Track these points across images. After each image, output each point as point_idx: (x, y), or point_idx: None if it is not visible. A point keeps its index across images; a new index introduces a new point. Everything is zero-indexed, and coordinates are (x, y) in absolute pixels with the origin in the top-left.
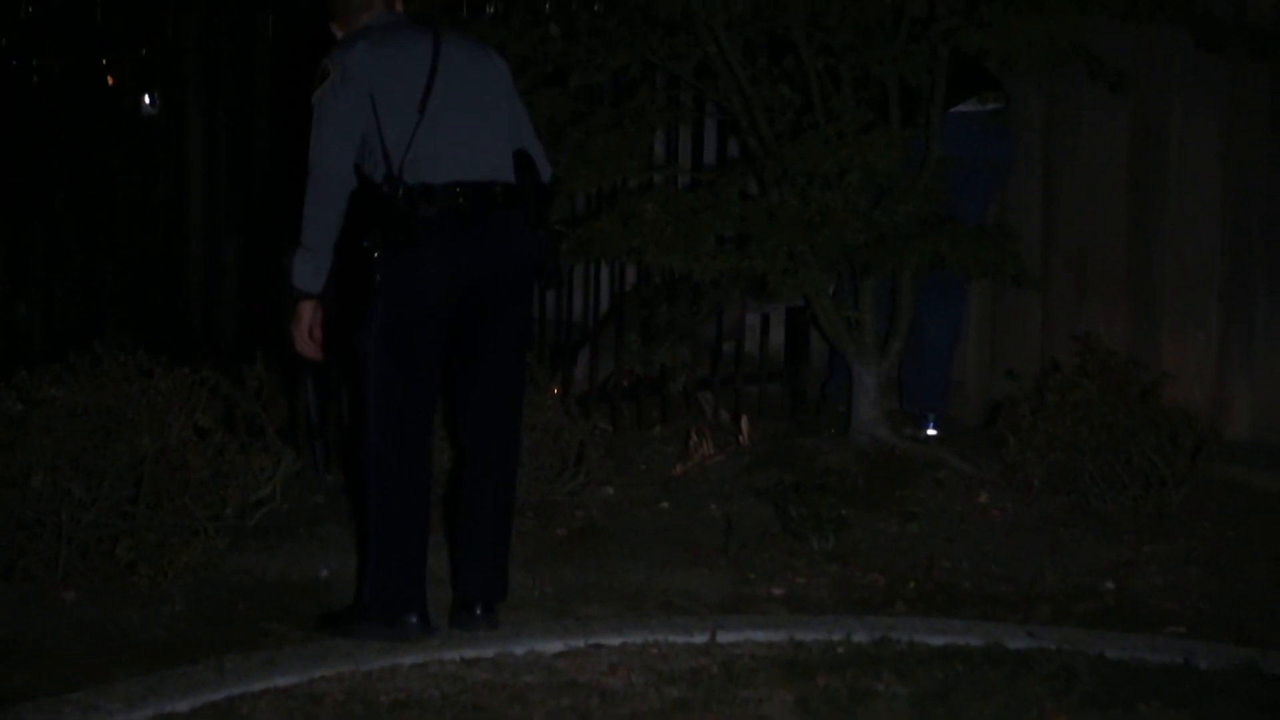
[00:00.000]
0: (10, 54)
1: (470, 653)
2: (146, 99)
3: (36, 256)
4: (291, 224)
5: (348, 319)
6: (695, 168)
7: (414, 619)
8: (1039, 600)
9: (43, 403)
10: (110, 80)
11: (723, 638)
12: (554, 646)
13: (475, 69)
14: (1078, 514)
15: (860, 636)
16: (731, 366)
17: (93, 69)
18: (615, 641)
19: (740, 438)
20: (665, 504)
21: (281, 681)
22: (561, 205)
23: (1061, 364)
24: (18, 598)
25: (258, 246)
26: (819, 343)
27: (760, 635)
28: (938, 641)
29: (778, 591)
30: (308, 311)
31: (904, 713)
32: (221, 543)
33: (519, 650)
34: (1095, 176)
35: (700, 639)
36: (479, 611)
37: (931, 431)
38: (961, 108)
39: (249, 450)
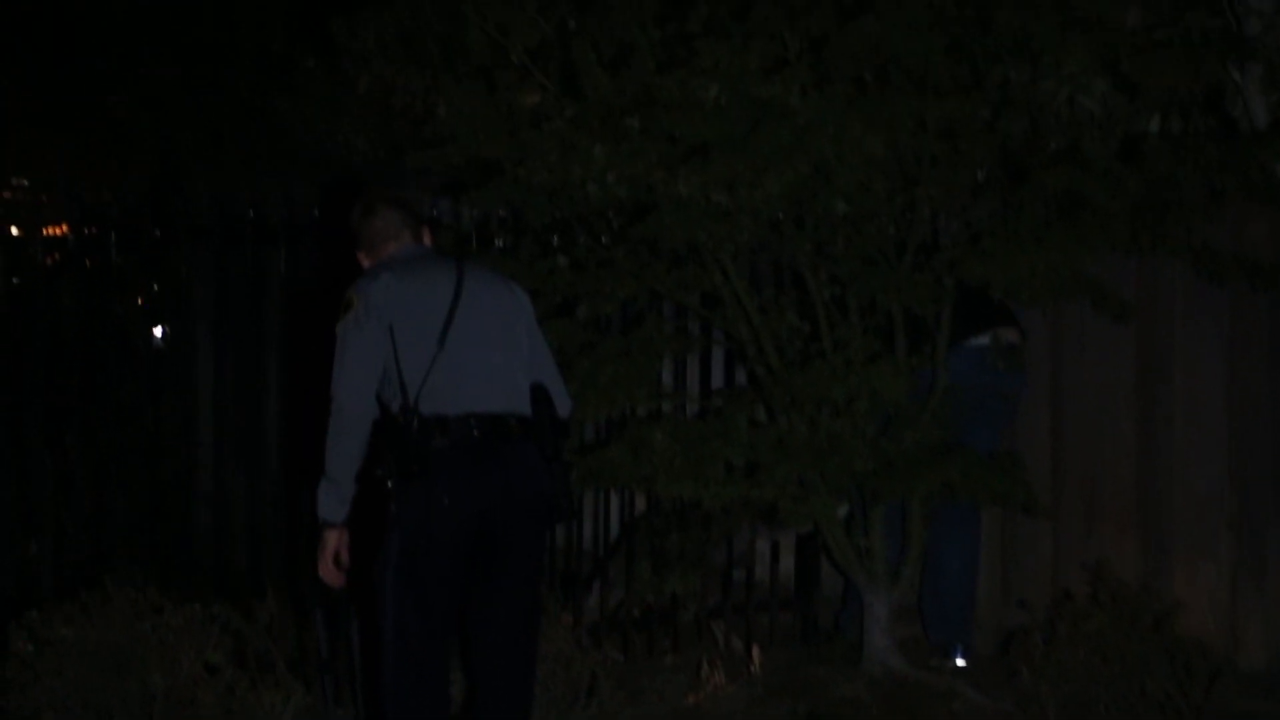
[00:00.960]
0: (24, 291)
1: None
2: (157, 333)
3: (47, 492)
4: (305, 457)
5: (363, 550)
6: (703, 395)
7: None
8: None
9: (53, 642)
10: (121, 316)
11: None
12: None
13: (497, 302)
14: None
15: None
16: (742, 594)
17: (105, 304)
18: None
19: (752, 667)
20: None
21: None
22: (570, 434)
23: (1073, 593)
24: None
25: (267, 480)
26: (831, 571)
27: None
28: None
29: None
30: (333, 540)
31: None
32: None
33: None
34: (1103, 405)
35: None
36: None
37: (960, 662)
38: (977, 341)
39: (259, 686)
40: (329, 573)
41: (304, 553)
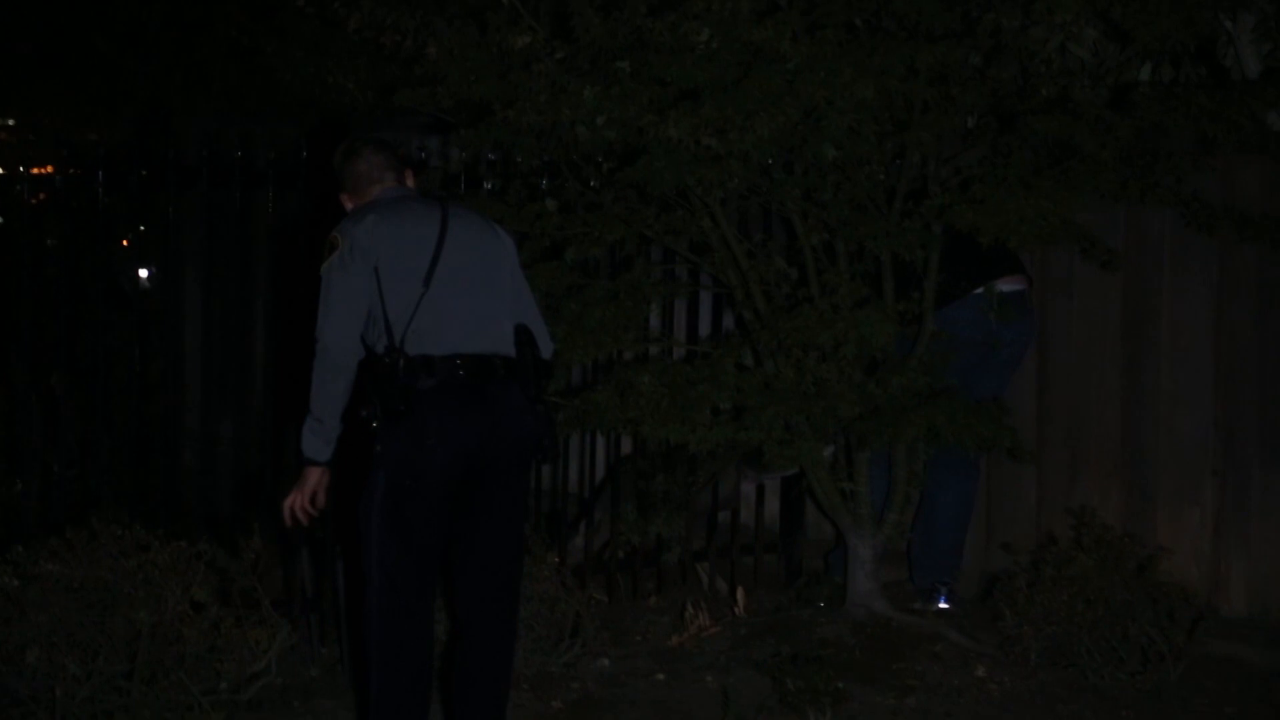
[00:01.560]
0: (9, 231)
1: None
2: (144, 274)
3: (33, 431)
4: (291, 398)
5: (348, 490)
6: (691, 340)
7: None
8: None
9: (39, 578)
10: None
11: None
12: None
13: (481, 244)
14: (1075, 688)
15: None
16: (727, 537)
17: (91, 245)
18: None
19: (736, 609)
20: (661, 676)
21: None
22: (558, 376)
23: (1057, 538)
24: None
25: (253, 421)
26: (815, 514)
27: None
28: None
29: None
30: (314, 477)
31: None
32: (216, 717)
33: None
34: (1089, 352)
35: None
36: None
37: (943, 605)
38: (982, 289)
39: (244, 624)
40: (301, 509)
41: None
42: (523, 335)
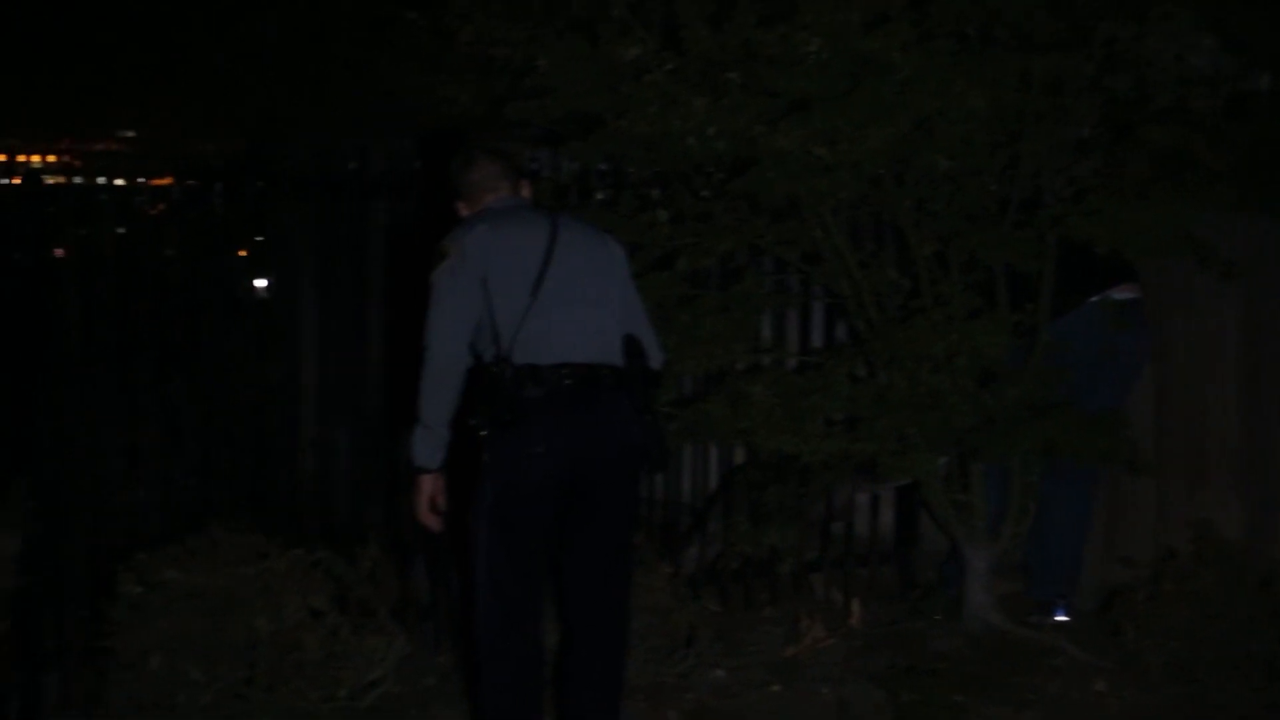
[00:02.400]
0: (129, 242)
1: None
2: (260, 284)
3: (154, 440)
4: (406, 405)
5: (459, 498)
6: (803, 350)
7: None
8: None
9: (161, 585)
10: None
11: None
12: None
13: (591, 254)
14: (1197, 704)
15: None
16: (842, 548)
17: (209, 255)
18: None
19: (851, 620)
20: (776, 687)
21: None
22: (670, 387)
23: (1177, 551)
24: None
25: (369, 430)
26: (930, 525)
27: None
28: None
29: None
30: (427, 485)
31: None
32: None
33: None
34: (1207, 363)
35: None
36: None
37: (1061, 618)
38: (1096, 298)
39: (362, 632)
40: (426, 518)
41: (405, 501)
42: (631, 345)
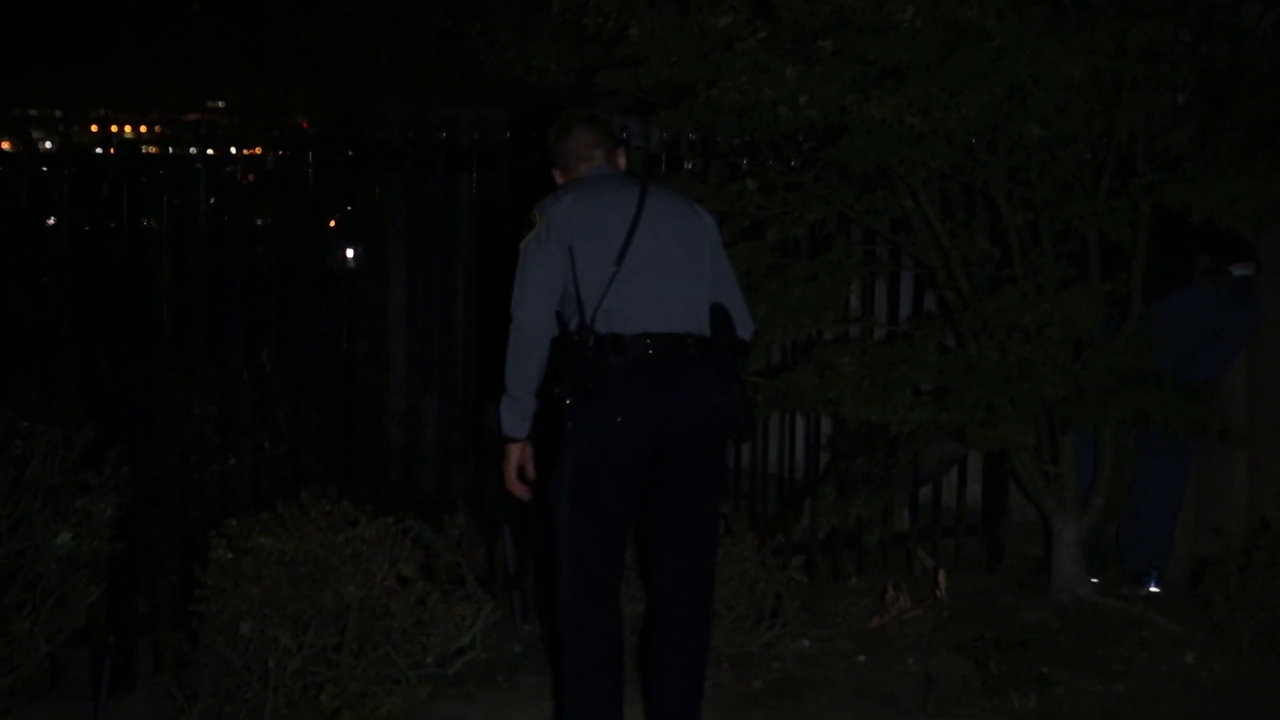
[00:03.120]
0: (221, 211)
1: None
2: (350, 254)
3: (244, 409)
4: (493, 376)
5: (543, 466)
6: (891, 320)
7: None
8: None
9: (251, 551)
10: (316, 237)
11: None
12: None
13: (678, 224)
14: None
15: None
16: (929, 518)
17: (299, 226)
18: None
19: (938, 591)
20: (862, 657)
21: None
22: (758, 357)
23: (1270, 523)
24: None
25: (457, 400)
26: (1019, 496)
27: None
28: None
29: None
30: (515, 454)
31: None
32: (423, 691)
33: None
34: None
35: None
36: None
37: (1154, 589)
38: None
39: (449, 599)
40: (514, 486)
41: (492, 470)
42: (718, 315)
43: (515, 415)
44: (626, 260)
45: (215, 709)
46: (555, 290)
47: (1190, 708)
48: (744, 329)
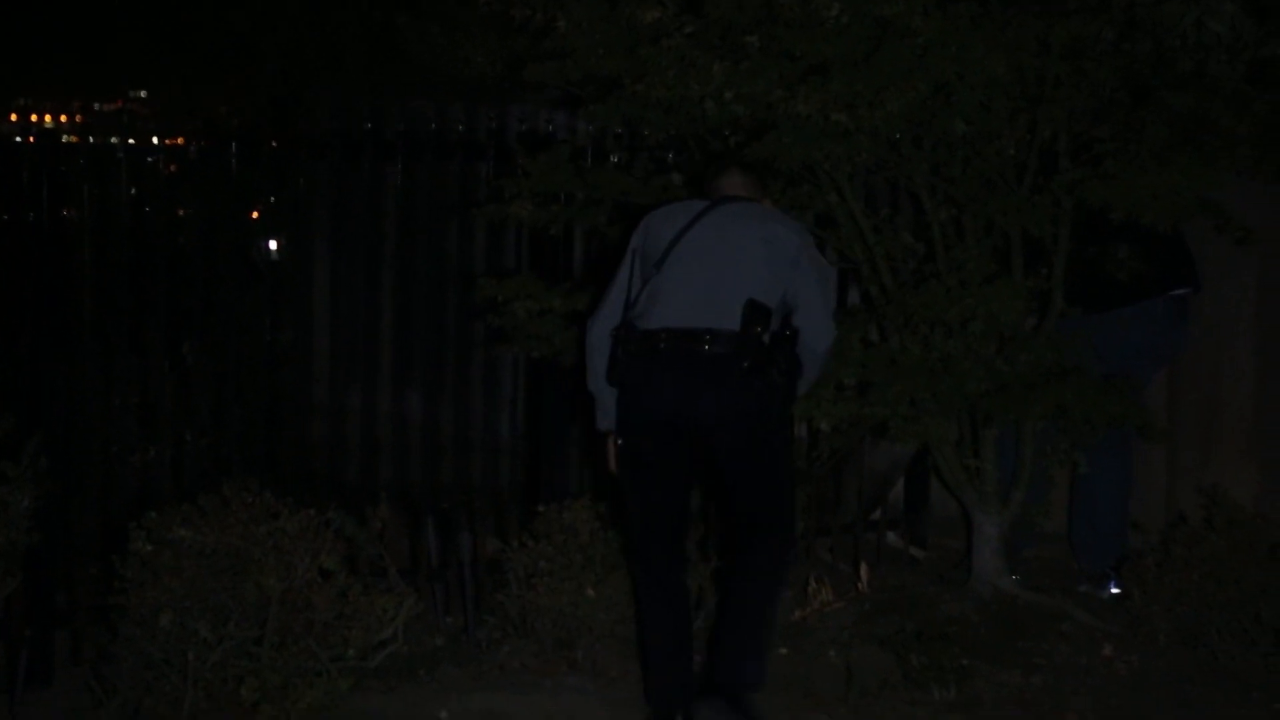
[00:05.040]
0: (142, 202)
1: None
2: (274, 245)
3: (166, 399)
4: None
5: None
6: None
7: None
8: None
9: (172, 544)
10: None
11: None
12: None
13: (733, 231)
14: (1205, 670)
15: None
16: (851, 513)
17: (223, 216)
18: None
19: (859, 585)
20: (784, 650)
21: None
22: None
23: (1188, 517)
24: None
25: (381, 392)
26: (941, 491)
27: None
28: None
29: None
30: (609, 444)
31: None
32: (344, 684)
33: None
34: (1221, 329)
35: None
36: (724, 701)
37: (1115, 590)
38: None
39: (372, 592)
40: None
41: (415, 463)
42: (753, 312)
43: (597, 409)
44: (666, 263)
45: (134, 702)
46: (614, 298)
47: (1108, 700)
48: (815, 339)
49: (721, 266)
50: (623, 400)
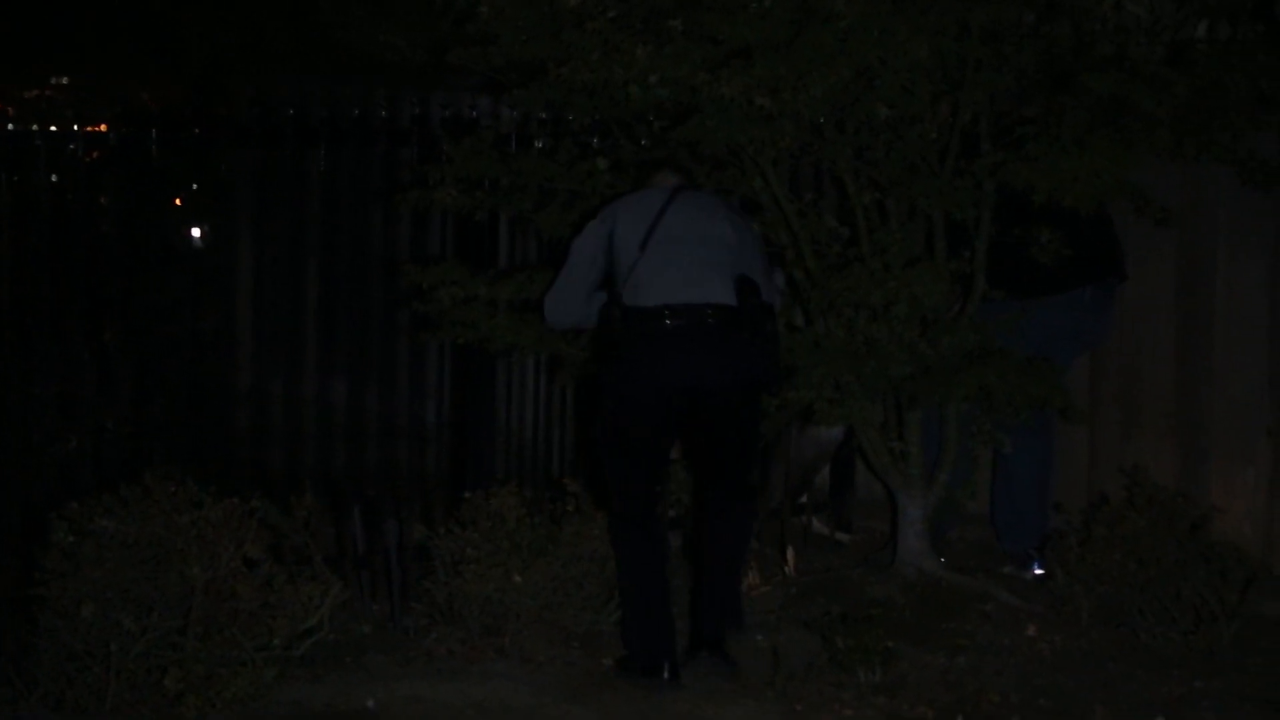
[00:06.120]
0: (63, 189)
1: None
2: (196, 232)
3: (87, 388)
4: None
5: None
6: None
7: (665, 672)
8: None
9: (94, 534)
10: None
11: None
12: None
13: (701, 213)
14: (1127, 648)
15: None
16: (777, 497)
17: (145, 204)
18: None
19: (786, 568)
20: None
21: None
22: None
23: (1110, 497)
24: None
25: (305, 379)
26: (867, 474)
27: None
28: None
29: None
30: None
31: None
32: (269, 673)
33: None
34: (1142, 311)
35: None
36: (705, 654)
37: (1039, 571)
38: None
39: (297, 580)
40: None
41: (339, 450)
42: (744, 285)
43: (581, 320)
44: (649, 244)
45: (55, 694)
46: (586, 265)
47: (1031, 679)
48: (770, 295)
49: (705, 247)
50: (620, 372)
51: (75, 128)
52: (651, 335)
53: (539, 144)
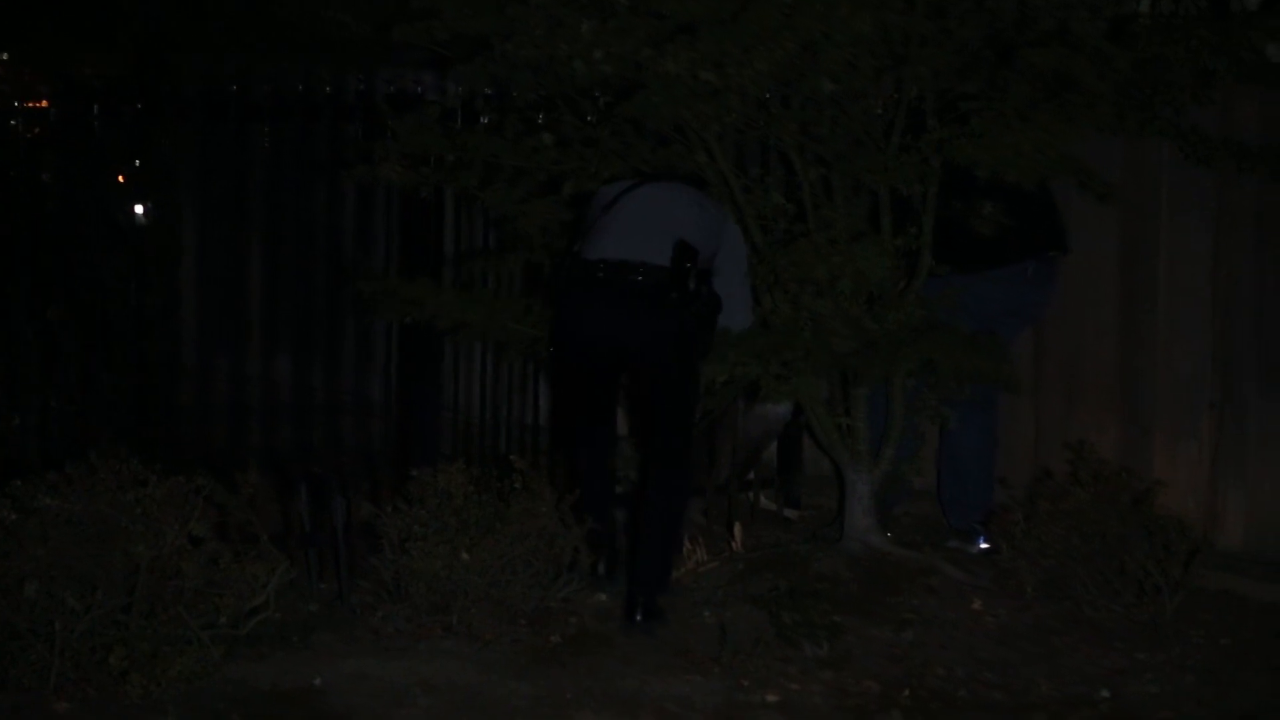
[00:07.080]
0: (3, 166)
1: None
2: (139, 209)
3: (30, 366)
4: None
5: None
6: None
7: (601, 567)
8: (1034, 708)
9: (37, 512)
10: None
11: None
12: None
13: (662, 194)
14: (1071, 621)
15: None
16: (724, 472)
17: (87, 180)
18: None
19: (733, 544)
20: None
21: None
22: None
23: (1053, 472)
24: (9, 709)
25: (250, 356)
26: (814, 450)
27: None
28: None
29: (772, 699)
30: None
31: None
32: (215, 652)
33: None
34: (1086, 286)
35: None
36: (639, 618)
37: (984, 545)
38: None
39: (243, 559)
40: None
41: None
42: (681, 251)
43: None
44: (613, 209)
45: None
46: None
47: (976, 653)
48: (741, 321)
49: (658, 213)
50: (559, 318)
51: (15, 104)
52: (584, 284)
53: (484, 120)
